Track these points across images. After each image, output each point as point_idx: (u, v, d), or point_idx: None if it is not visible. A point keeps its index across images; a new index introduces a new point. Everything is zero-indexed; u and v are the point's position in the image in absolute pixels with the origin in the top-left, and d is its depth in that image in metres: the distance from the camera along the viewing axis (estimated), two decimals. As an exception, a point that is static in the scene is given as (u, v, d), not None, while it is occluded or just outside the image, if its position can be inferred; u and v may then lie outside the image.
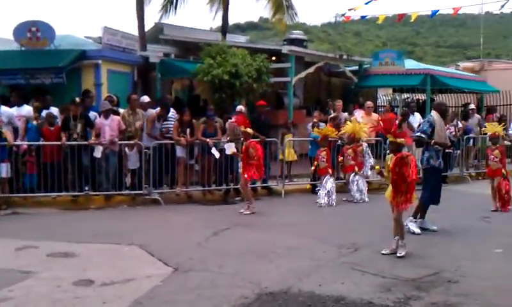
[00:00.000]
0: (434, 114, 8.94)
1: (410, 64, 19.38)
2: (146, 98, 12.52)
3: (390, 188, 7.20)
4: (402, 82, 18.85)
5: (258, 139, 11.22)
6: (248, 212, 10.12)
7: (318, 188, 11.49)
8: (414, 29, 72.61)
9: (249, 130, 10.31)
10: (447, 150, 14.37)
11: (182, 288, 5.86)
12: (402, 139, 7.27)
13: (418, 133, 8.84)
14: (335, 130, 12.01)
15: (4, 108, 11.21)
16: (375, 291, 5.74)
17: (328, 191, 11.05)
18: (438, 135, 8.72)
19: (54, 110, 11.52)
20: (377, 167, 8.87)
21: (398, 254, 7.07)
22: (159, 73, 15.25)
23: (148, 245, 7.59)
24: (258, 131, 11.84)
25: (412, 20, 24.22)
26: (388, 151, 7.79)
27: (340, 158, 12.04)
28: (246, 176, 10.22)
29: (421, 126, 9.08)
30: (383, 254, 7.14)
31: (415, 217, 8.58)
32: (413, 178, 6.97)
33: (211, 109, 12.68)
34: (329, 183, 11.14)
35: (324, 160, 11.33)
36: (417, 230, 8.44)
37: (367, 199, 11.47)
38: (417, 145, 9.18)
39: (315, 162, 11.63)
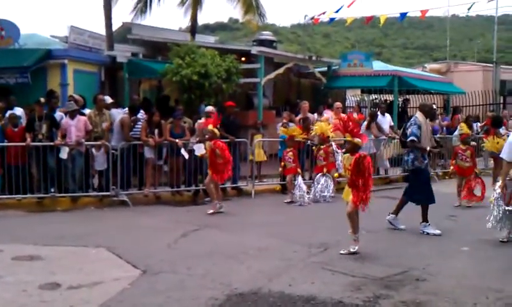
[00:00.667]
0: (419, 116, 8.89)
1: (378, 65, 19.62)
2: (109, 99, 12.36)
3: (347, 188, 7.24)
4: (370, 83, 19.06)
5: (227, 140, 11.18)
6: (212, 211, 10.06)
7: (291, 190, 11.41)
8: (382, 31, 73.74)
9: (215, 130, 10.21)
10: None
11: (151, 291, 5.78)
12: (359, 140, 7.29)
13: (411, 138, 8.67)
14: (301, 130, 11.97)
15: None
16: (345, 290, 5.77)
17: (304, 191, 11.13)
18: (424, 137, 8.70)
19: (19, 110, 11.26)
20: (336, 174, 9.16)
21: (351, 249, 7.16)
22: (126, 73, 15.08)
23: (116, 247, 7.46)
24: (227, 132, 11.83)
25: (381, 24, 24.55)
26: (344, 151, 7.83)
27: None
28: (212, 175, 10.14)
29: (410, 129, 8.76)
30: (341, 254, 7.16)
31: (425, 221, 8.63)
32: (369, 180, 7.02)
33: (179, 109, 12.58)
34: (301, 182, 11.19)
35: (291, 160, 11.32)
36: (437, 231, 8.46)
37: (330, 199, 11.37)
38: (403, 146, 9.27)
39: (282, 163, 11.64)
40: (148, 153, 11.38)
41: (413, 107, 21.05)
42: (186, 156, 11.42)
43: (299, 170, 11.38)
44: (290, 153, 11.39)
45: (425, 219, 8.61)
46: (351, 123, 7.48)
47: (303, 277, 6.25)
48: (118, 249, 7.39)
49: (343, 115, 13.88)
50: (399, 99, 20.10)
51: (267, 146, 14.21)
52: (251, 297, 5.56)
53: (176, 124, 11.63)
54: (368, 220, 7.84)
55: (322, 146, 11.66)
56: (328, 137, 11.62)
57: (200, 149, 11.45)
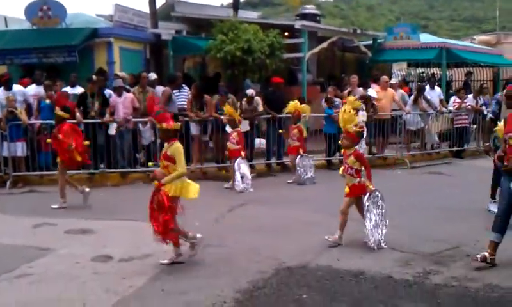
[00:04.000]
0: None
1: (425, 38, 19.12)
2: (153, 75, 12.50)
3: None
4: (417, 56, 18.60)
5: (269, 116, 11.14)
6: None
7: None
8: (428, 3, 71.67)
9: (60, 112, 8.77)
10: (465, 125, 14.26)
11: (200, 264, 5.88)
12: (164, 124, 6.17)
13: (490, 115, 8.35)
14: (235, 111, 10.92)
15: (17, 86, 11.28)
16: (394, 265, 5.72)
17: (242, 176, 10.11)
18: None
19: (80, 89, 11.48)
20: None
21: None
22: (171, 51, 15.17)
23: (165, 221, 7.59)
24: (270, 107, 11.80)
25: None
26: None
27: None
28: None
29: (491, 105, 8.50)
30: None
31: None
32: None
33: (222, 85, 12.60)
34: (242, 166, 10.17)
35: (235, 141, 10.28)
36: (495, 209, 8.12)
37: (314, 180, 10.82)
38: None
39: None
40: (194, 130, 11.48)
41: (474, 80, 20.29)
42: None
43: (242, 153, 10.30)
44: (235, 133, 10.34)
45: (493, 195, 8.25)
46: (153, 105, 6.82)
47: (351, 252, 6.23)
48: (167, 223, 7.51)
49: (390, 90, 13.69)
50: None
51: (311, 122, 14.10)
52: (299, 271, 5.58)
53: (222, 101, 11.65)
54: (416, 196, 7.77)
55: (295, 125, 10.96)
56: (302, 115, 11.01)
57: (244, 126, 11.49)
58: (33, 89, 11.55)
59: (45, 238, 7.00)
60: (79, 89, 11.47)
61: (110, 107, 10.92)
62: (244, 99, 11.91)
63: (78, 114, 10.43)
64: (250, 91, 11.99)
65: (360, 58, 19.46)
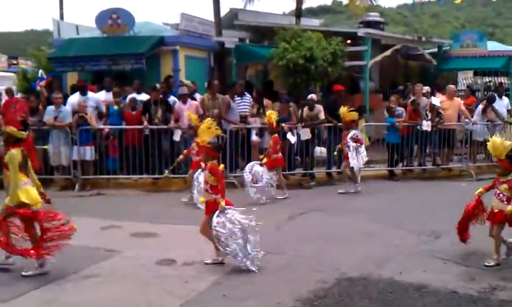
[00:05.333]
0: None
1: (493, 46, 18.55)
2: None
3: None
4: (484, 64, 18.08)
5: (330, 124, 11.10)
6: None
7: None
8: (495, 10, 69.22)
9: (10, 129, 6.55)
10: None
11: (260, 271, 5.93)
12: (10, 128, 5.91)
13: None
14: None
15: (91, 93, 11.77)
16: (458, 280, 5.60)
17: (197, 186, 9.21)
18: None
19: (145, 96, 11.88)
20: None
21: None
22: (234, 59, 15.38)
23: (227, 227, 7.71)
24: (333, 116, 11.77)
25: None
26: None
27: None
28: None
29: None
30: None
31: None
32: None
33: (284, 93, 12.65)
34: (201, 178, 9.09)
35: (194, 152, 9.70)
36: None
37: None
38: None
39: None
40: (255, 137, 11.60)
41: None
42: (292, 140, 11.48)
43: (203, 165, 8.81)
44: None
45: None
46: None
47: (413, 264, 6.13)
48: (229, 229, 7.63)
49: (457, 99, 13.35)
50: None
51: (373, 131, 13.94)
52: (360, 282, 5.55)
53: (283, 108, 11.71)
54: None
55: (272, 136, 10.20)
56: (278, 126, 10.38)
57: (305, 134, 11.52)
58: (103, 96, 12.02)
59: (111, 240, 7.25)
60: (144, 96, 11.83)
61: (175, 114, 11.21)
62: (305, 106, 11.94)
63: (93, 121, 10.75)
64: (311, 95, 12.01)
65: (424, 66, 19.08)
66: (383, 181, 12.11)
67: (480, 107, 13.43)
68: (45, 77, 13.43)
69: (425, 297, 5.17)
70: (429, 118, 12.47)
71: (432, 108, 12.53)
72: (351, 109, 10.83)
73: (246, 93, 12.11)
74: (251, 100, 11.97)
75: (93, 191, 10.80)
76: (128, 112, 11.33)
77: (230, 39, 15.47)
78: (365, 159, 10.77)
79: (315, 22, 20.90)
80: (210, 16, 16.47)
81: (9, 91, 13.45)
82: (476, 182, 12.06)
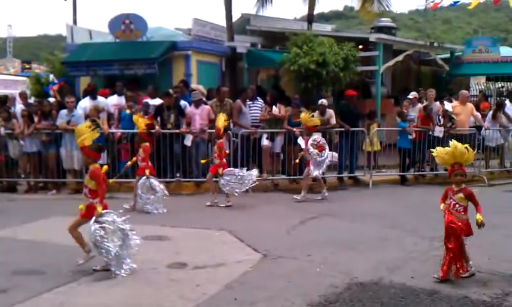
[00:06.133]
0: None
1: (505, 51, 18.47)
2: (224, 88, 12.77)
3: None
4: (496, 70, 18.05)
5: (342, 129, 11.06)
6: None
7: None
8: (508, 15, 68.80)
9: None
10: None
11: (271, 275, 5.94)
12: None
13: None
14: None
15: (100, 98, 11.85)
16: (470, 285, 5.55)
17: (141, 194, 9.31)
18: None
19: (158, 101, 11.94)
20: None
21: None
22: (245, 64, 15.42)
23: (238, 231, 7.75)
24: (344, 120, 11.76)
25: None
26: None
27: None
28: None
29: None
30: None
31: None
32: None
33: (296, 98, 12.66)
34: (147, 184, 9.32)
35: (140, 158, 9.47)
36: None
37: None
38: None
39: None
40: (265, 141, 11.62)
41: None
42: (303, 145, 11.46)
43: (147, 171, 9.41)
44: (141, 150, 9.52)
45: None
46: None
47: (425, 270, 6.08)
48: (240, 232, 7.67)
49: (469, 104, 13.28)
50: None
51: (385, 136, 13.91)
52: (371, 287, 5.52)
53: (295, 113, 11.71)
54: (495, 215, 7.50)
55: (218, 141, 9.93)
56: (225, 131, 10.11)
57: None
58: (115, 100, 12.10)
59: (123, 243, 7.28)
60: (158, 101, 11.90)
61: (187, 118, 11.25)
62: (316, 111, 11.92)
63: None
64: (322, 100, 12.00)
65: (437, 72, 19.02)
66: (395, 186, 12.08)
67: (491, 112, 13.37)
68: (56, 81, 13.56)
69: (437, 302, 5.14)
70: (442, 123, 12.43)
71: (445, 113, 12.48)
72: (366, 113, 10.77)
73: (258, 97, 12.14)
74: (263, 104, 11.98)
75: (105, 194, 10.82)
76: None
77: (242, 44, 15.54)
78: (327, 164, 10.41)
79: (327, 28, 20.95)
80: (222, 21, 16.59)
81: (22, 95, 13.57)
82: (488, 187, 12.01)
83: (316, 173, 10.16)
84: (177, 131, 11.15)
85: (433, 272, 5.93)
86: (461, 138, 12.48)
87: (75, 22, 22.49)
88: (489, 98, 20.14)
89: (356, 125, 12.11)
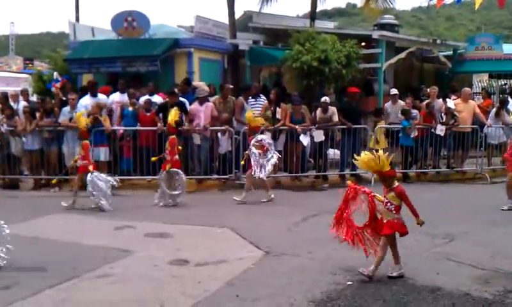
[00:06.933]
0: None
1: (508, 48, 18.42)
2: (228, 85, 12.76)
3: None
4: (499, 67, 18.03)
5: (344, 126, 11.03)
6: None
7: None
8: (511, 12, 68.57)
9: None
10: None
11: (273, 272, 5.94)
12: None
13: None
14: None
15: (101, 94, 11.86)
16: (472, 283, 5.54)
17: (105, 192, 9.25)
18: None
19: (158, 98, 11.92)
20: None
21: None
22: (248, 61, 15.41)
23: (240, 228, 7.75)
24: (346, 118, 11.74)
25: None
26: None
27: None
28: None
29: None
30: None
31: None
32: None
33: (295, 95, 12.63)
34: (99, 182, 9.23)
35: (80, 157, 9.47)
36: None
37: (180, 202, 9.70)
38: None
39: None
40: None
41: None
42: (305, 142, 11.48)
43: (91, 167, 9.41)
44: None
45: None
46: None
47: (427, 267, 6.09)
48: (242, 230, 7.67)
49: (471, 101, 13.26)
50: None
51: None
52: (374, 284, 5.52)
53: (296, 110, 11.71)
54: (497, 213, 7.52)
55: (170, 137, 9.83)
56: (177, 126, 9.98)
57: (319, 136, 11.50)
58: (117, 97, 12.10)
59: (125, 240, 7.31)
60: (156, 98, 11.88)
61: (189, 115, 11.24)
62: (319, 108, 11.93)
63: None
64: (324, 98, 11.98)
65: (439, 69, 18.99)
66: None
67: (494, 110, 13.33)
68: (59, 79, 13.58)
69: (439, 299, 5.13)
70: (444, 120, 12.40)
71: (447, 111, 12.45)
72: (371, 110, 10.74)
73: (261, 95, 12.13)
74: (266, 101, 11.96)
75: (107, 192, 10.85)
76: (143, 113, 11.40)
77: (244, 41, 15.52)
78: (271, 165, 9.88)
79: (329, 25, 20.90)
80: (224, 18, 16.57)
81: (24, 92, 13.58)
82: (491, 185, 11.99)
83: (259, 174, 9.72)
84: (179, 128, 11.11)
85: (435, 269, 5.94)
86: (463, 135, 12.58)
87: (77, 19, 22.49)
88: (492, 96, 20.12)
89: (358, 122, 12.09)
